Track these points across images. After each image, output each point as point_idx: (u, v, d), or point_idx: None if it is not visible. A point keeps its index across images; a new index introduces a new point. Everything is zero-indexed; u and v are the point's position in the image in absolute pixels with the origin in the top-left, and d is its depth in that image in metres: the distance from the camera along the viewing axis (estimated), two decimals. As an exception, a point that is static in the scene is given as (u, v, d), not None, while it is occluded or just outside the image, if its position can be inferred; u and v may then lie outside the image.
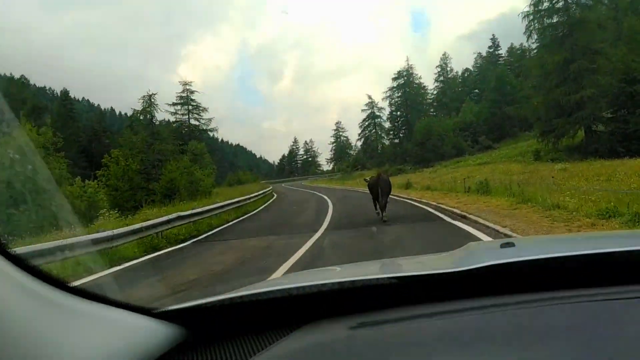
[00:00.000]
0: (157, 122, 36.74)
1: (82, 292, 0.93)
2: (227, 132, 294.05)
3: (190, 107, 65.92)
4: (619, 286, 1.09)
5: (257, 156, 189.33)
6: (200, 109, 66.44)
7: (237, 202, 21.99)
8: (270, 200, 29.78)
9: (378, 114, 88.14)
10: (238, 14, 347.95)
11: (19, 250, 7.36)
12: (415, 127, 72.35)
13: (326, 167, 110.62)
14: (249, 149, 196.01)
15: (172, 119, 66.39)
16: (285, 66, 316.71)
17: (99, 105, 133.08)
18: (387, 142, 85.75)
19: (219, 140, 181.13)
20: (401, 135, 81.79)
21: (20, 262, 0.83)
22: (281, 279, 1.77)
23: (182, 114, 66.32)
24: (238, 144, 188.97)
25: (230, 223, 18.29)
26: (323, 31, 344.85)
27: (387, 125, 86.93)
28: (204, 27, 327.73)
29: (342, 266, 2.56)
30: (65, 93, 79.29)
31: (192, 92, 66.24)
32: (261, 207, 24.37)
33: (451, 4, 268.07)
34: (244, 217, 19.85)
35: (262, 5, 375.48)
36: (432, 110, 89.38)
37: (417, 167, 65.63)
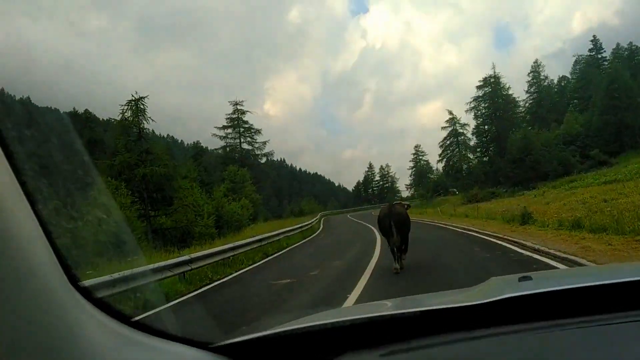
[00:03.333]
0: (149, 135, 25.58)
1: (140, 325, 0.97)
2: (308, 162, 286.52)
3: (241, 130, 55.95)
4: (618, 312, 1.14)
5: (336, 184, 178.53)
6: (253, 131, 56.37)
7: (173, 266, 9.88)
8: (284, 250, 17.46)
9: (461, 130, 74.10)
10: (317, 44, 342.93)
11: (87, 282, 6.72)
12: (508, 142, 57.68)
13: (406, 193, 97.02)
14: (327, 177, 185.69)
15: (221, 143, 56.90)
16: (365, 93, 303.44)
17: (182, 141, 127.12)
18: (473, 162, 70.91)
19: (298, 169, 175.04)
20: (490, 152, 66.98)
21: (88, 294, 0.86)
22: (319, 314, 1.64)
23: (233, 138, 56.47)
24: (316, 173, 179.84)
25: None
26: (403, 55, 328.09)
27: (472, 142, 72.58)
28: (285, 61, 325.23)
29: (376, 303, 2.47)
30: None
31: (243, 112, 56.42)
32: (228, 278, 11.87)
33: (537, 21, 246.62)
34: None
35: (341, 32, 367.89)
36: (524, 124, 73.71)
37: (514, 189, 50.98)
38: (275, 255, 15.71)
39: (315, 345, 1.26)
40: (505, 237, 13.74)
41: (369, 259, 11.39)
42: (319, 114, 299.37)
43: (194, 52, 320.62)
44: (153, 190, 23.17)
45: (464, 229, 18.51)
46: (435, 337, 1.19)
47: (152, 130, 25.64)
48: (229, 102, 59.27)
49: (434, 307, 1.33)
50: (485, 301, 1.23)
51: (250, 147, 56.66)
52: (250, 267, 12.93)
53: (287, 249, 17.69)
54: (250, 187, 41.97)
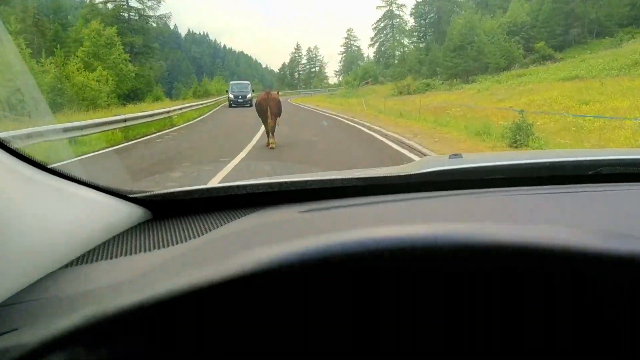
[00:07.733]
0: None
1: (59, 174, 0.93)
2: (236, 39, 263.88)
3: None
4: (528, 187, 1.20)
5: (263, 66, 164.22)
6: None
7: None
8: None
9: (397, 12, 63.78)
10: None
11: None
12: (449, 27, 48.79)
13: (334, 80, 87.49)
14: (254, 57, 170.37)
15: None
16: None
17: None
18: (409, 48, 61.61)
19: (222, 46, 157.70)
20: (428, 37, 57.86)
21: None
22: (247, 180, 1.38)
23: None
24: (242, 52, 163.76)
25: None
26: None
27: (408, 26, 62.86)
28: None
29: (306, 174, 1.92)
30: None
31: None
32: None
33: None
34: None
35: None
36: (464, 12, 64.52)
37: (451, 81, 43.03)
38: None
39: (236, 202, 1.22)
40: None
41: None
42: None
43: None
44: None
45: (406, 146, 9.92)
46: (359, 198, 1.17)
47: None
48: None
49: (369, 175, 1.32)
50: (414, 172, 1.24)
51: (140, 6, 43.61)
52: None
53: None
54: (121, 54, 30.72)
